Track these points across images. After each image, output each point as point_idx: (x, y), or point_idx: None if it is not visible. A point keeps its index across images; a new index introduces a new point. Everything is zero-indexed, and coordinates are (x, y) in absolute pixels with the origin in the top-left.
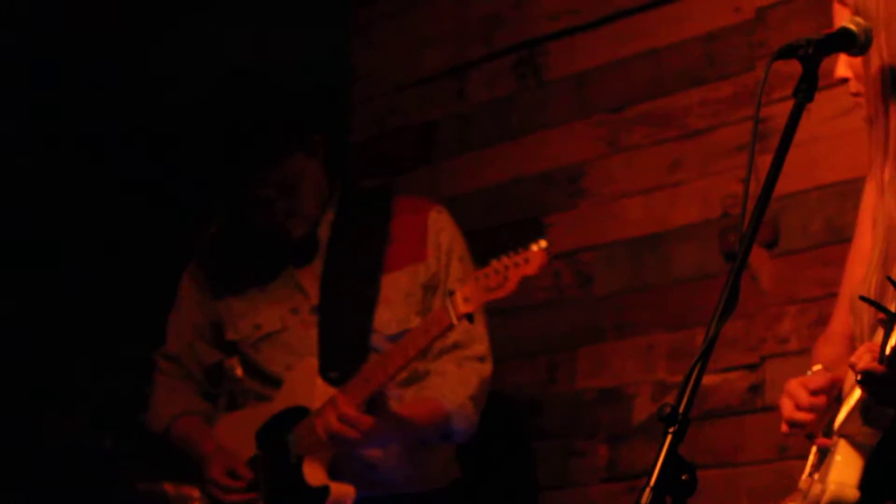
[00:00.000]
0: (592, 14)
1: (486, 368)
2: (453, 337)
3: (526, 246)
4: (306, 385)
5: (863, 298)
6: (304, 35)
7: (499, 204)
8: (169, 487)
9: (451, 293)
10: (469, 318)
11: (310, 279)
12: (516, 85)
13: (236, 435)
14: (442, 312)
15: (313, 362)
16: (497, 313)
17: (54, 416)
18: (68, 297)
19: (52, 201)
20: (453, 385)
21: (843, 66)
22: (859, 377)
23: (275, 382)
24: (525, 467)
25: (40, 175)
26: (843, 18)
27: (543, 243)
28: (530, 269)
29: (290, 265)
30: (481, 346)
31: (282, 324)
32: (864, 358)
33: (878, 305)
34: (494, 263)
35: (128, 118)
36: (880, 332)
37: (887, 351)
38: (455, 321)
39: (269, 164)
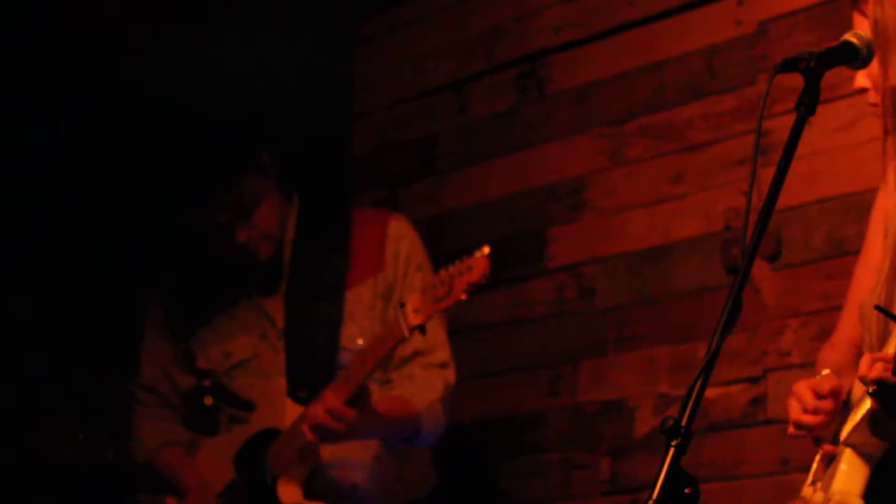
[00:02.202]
0: (594, 27)
1: (450, 374)
2: (413, 345)
3: (470, 253)
4: (277, 406)
5: (877, 308)
6: (306, 49)
7: (500, 217)
8: (171, 500)
9: (402, 305)
10: (421, 329)
11: (275, 304)
12: (518, 98)
13: (218, 460)
14: (394, 325)
15: (282, 383)
16: (499, 326)
17: (56, 429)
18: (69, 309)
19: (51, 205)
20: (421, 386)
21: (862, 76)
22: (871, 388)
23: (249, 406)
24: (527, 480)
25: (40, 175)
26: (864, 28)
27: (486, 249)
28: (473, 276)
29: (256, 292)
30: (443, 353)
31: (253, 351)
32: (876, 368)
33: (891, 315)
34: (441, 273)
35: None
36: (891, 342)
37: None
38: (406, 333)
39: (220, 187)
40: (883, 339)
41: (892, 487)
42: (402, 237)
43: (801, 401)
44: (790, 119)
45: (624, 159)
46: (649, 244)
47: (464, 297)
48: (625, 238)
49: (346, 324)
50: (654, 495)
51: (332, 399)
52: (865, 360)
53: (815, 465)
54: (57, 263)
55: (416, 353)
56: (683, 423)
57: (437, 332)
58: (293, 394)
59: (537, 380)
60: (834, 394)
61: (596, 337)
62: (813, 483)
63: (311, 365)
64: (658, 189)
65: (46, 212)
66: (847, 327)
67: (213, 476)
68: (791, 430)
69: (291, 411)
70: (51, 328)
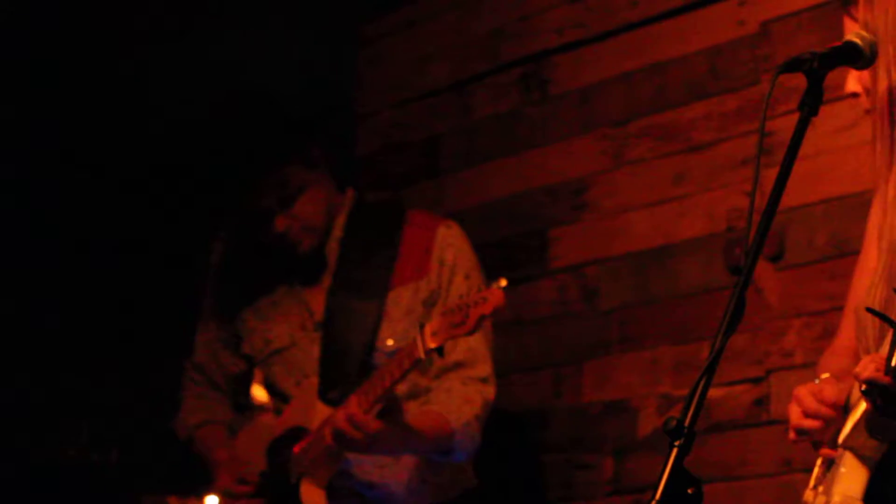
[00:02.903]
0: (597, 28)
1: (490, 391)
2: (455, 356)
3: (489, 283)
4: (308, 405)
5: (869, 310)
6: (310, 50)
7: (504, 218)
8: (174, 501)
9: (422, 326)
10: (438, 352)
11: (316, 295)
12: (521, 99)
13: (253, 448)
14: (413, 346)
15: (315, 382)
16: (503, 327)
17: (59, 431)
18: (71, 311)
19: (52, 206)
20: (459, 402)
21: (853, 81)
22: (863, 387)
23: (284, 398)
24: (531, 481)
25: (39, 176)
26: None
27: (503, 282)
28: (486, 309)
29: (300, 280)
30: (485, 368)
31: (291, 339)
32: (869, 368)
33: (883, 317)
34: (461, 300)
35: (133, 138)
36: (886, 344)
37: (893, 362)
38: (422, 355)
39: (266, 174)
40: (879, 342)
41: (891, 489)
42: (449, 245)
43: (802, 405)
44: (793, 119)
45: (627, 160)
46: (652, 245)
47: (476, 328)
48: (628, 239)
49: (383, 323)
50: (658, 496)
51: (354, 407)
52: (862, 361)
53: (816, 470)
54: (57, 264)
55: (458, 365)
56: (686, 423)
57: (481, 346)
58: (323, 394)
59: (541, 380)
60: (835, 399)
61: (599, 337)
62: (815, 487)
63: (344, 365)
64: (661, 190)
65: (47, 212)
66: (847, 332)
67: (248, 460)
68: (792, 434)
69: (320, 412)
70: (53, 330)
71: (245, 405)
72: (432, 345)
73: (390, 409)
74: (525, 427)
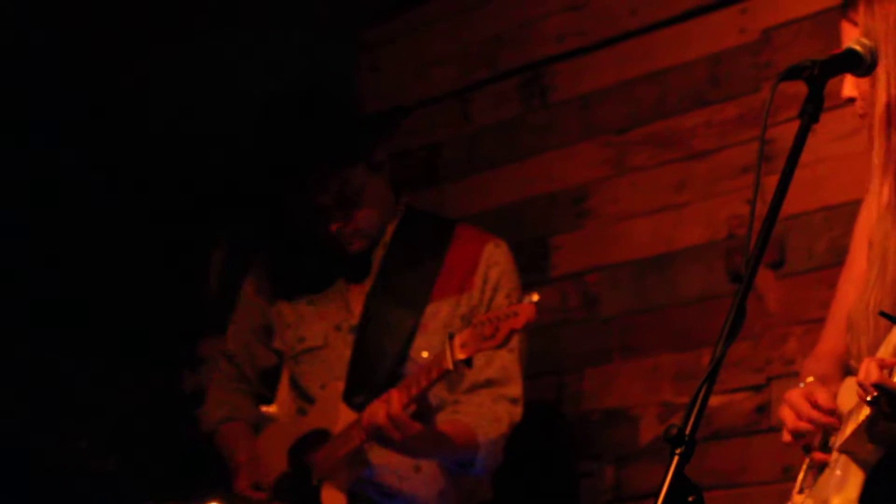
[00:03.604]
0: (598, 35)
1: (518, 412)
2: (488, 373)
3: (521, 297)
4: (333, 408)
5: (882, 314)
6: (309, 57)
7: (504, 225)
8: None
9: (452, 336)
10: (467, 363)
11: (357, 297)
12: (521, 106)
13: (276, 446)
14: (441, 356)
15: (340, 386)
16: None
17: (57, 439)
18: (69, 317)
19: (51, 217)
20: (489, 419)
21: (850, 86)
22: (873, 394)
23: (308, 398)
24: (532, 488)
25: (39, 184)
26: (851, 38)
27: (535, 297)
28: (518, 323)
29: (343, 281)
30: (516, 388)
31: (324, 340)
32: (874, 373)
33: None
34: (492, 312)
35: (147, 146)
36: (882, 349)
37: None
38: (451, 366)
39: (328, 171)
40: (874, 348)
41: (888, 492)
42: (495, 263)
43: (797, 409)
44: (794, 127)
45: (627, 167)
46: (653, 252)
47: (505, 342)
48: (628, 246)
49: (418, 335)
50: (659, 503)
51: (396, 406)
52: (863, 367)
53: (801, 474)
54: (56, 267)
55: (490, 382)
56: (687, 431)
57: (514, 365)
58: (349, 398)
59: (542, 388)
60: (828, 403)
61: (600, 345)
62: (801, 491)
63: (373, 372)
64: (661, 197)
65: (46, 211)
66: (830, 339)
67: (269, 461)
68: (786, 437)
69: (344, 415)
70: (53, 334)
71: (270, 401)
72: (461, 356)
73: (424, 413)
74: (526, 434)
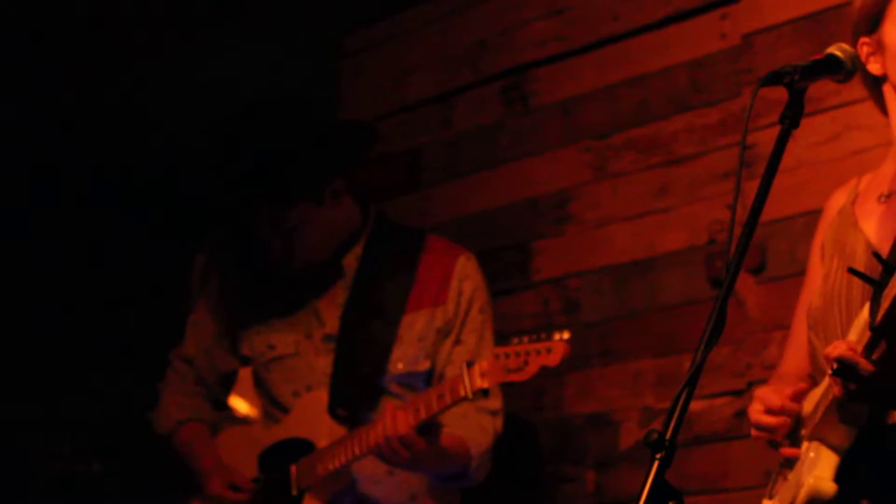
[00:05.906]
0: (579, 41)
1: (499, 423)
2: None
3: (549, 333)
4: (315, 419)
5: (851, 270)
6: (290, 63)
7: (485, 231)
8: None
9: (470, 365)
10: (485, 393)
11: (328, 307)
12: (503, 111)
13: (238, 450)
14: (457, 382)
15: (323, 396)
16: None
17: (41, 443)
18: (55, 325)
19: (49, 225)
20: (477, 431)
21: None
22: (834, 367)
23: (281, 407)
24: (513, 493)
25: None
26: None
27: (567, 334)
28: (552, 361)
29: (310, 289)
30: (496, 401)
31: (295, 348)
32: (839, 347)
33: (865, 277)
34: (516, 345)
35: (124, 151)
36: (854, 332)
37: (877, 319)
38: (469, 394)
39: (265, 206)
40: (844, 334)
41: (863, 472)
42: (468, 276)
43: (766, 403)
44: (774, 132)
45: (609, 172)
46: (634, 257)
47: (534, 377)
48: (610, 251)
49: (395, 346)
50: None
51: (405, 427)
52: (832, 344)
53: (771, 482)
54: (55, 271)
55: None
56: (668, 436)
57: None
58: (333, 410)
59: (523, 393)
60: (796, 397)
61: (581, 350)
62: (771, 497)
63: (356, 384)
64: (643, 202)
65: (45, 212)
66: (793, 359)
67: (234, 464)
68: (754, 432)
69: (328, 428)
70: (37, 344)
71: (224, 404)
72: (482, 385)
73: (429, 430)
74: (507, 440)
